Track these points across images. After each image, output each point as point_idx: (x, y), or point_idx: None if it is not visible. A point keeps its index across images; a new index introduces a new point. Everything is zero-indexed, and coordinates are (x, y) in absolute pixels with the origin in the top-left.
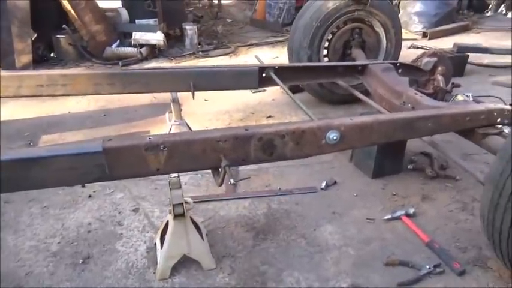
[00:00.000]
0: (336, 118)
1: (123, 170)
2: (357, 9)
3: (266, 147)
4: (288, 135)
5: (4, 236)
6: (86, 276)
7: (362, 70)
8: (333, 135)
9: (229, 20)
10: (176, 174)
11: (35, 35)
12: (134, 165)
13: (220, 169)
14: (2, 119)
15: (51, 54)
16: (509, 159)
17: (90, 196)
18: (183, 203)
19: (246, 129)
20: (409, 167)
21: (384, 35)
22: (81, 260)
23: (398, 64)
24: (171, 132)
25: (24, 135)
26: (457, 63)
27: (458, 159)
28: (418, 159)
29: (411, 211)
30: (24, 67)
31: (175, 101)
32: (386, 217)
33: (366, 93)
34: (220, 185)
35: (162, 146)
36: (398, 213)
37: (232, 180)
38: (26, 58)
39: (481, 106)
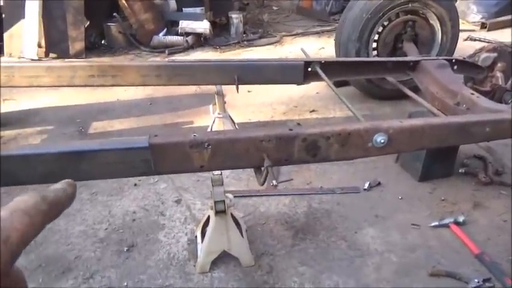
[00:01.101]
0: (383, 119)
1: (167, 166)
2: (412, 1)
3: (310, 148)
4: (333, 136)
5: (56, 220)
6: (130, 264)
7: (413, 66)
8: (380, 139)
9: (275, 8)
10: (219, 172)
11: (88, 23)
12: (179, 161)
13: (262, 168)
14: (56, 104)
15: (102, 42)
16: None
17: (135, 185)
18: (224, 200)
19: (291, 130)
20: (460, 170)
21: (439, 28)
22: (126, 248)
23: (453, 60)
24: (215, 124)
25: (76, 122)
26: None
27: None
28: (471, 162)
29: (461, 219)
30: (77, 54)
31: (219, 93)
32: (433, 224)
33: (415, 89)
34: (262, 184)
35: (206, 144)
36: (446, 221)
37: (274, 182)
38: (79, 45)
39: None
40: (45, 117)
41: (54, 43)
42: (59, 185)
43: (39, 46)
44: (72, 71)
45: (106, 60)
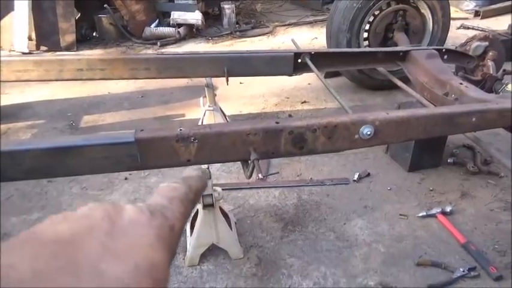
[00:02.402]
0: (371, 110)
1: (154, 160)
2: None
3: (297, 141)
4: (319, 129)
5: (47, 214)
6: None
7: (403, 56)
8: (366, 130)
9: None
10: (206, 165)
11: (79, 15)
12: (165, 156)
13: (249, 162)
14: (47, 98)
15: (94, 34)
16: None
17: (126, 179)
18: (212, 194)
19: (277, 123)
20: (449, 160)
21: (430, 17)
22: None
23: (443, 50)
24: (205, 117)
25: (67, 115)
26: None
27: (502, 155)
28: (459, 152)
29: (448, 209)
30: (68, 46)
31: (209, 86)
32: (420, 214)
33: (407, 79)
34: (249, 177)
35: (192, 138)
36: (434, 211)
37: (260, 175)
38: (70, 37)
39: None
40: (36, 111)
41: (45, 36)
42: (195, 172)
43: (30, 39)
44: (60, 64)
45: (97, 52)
